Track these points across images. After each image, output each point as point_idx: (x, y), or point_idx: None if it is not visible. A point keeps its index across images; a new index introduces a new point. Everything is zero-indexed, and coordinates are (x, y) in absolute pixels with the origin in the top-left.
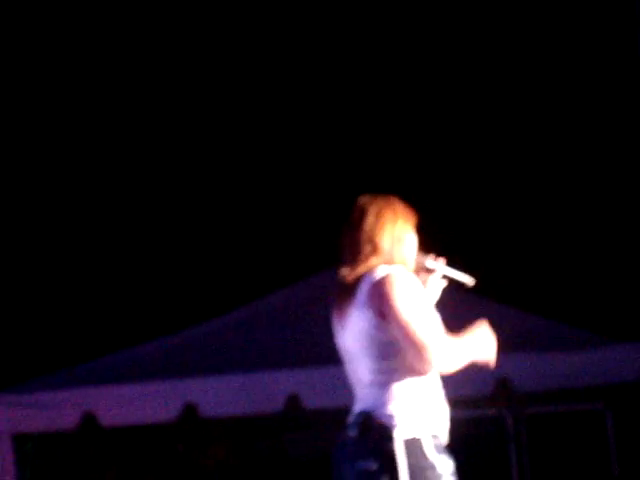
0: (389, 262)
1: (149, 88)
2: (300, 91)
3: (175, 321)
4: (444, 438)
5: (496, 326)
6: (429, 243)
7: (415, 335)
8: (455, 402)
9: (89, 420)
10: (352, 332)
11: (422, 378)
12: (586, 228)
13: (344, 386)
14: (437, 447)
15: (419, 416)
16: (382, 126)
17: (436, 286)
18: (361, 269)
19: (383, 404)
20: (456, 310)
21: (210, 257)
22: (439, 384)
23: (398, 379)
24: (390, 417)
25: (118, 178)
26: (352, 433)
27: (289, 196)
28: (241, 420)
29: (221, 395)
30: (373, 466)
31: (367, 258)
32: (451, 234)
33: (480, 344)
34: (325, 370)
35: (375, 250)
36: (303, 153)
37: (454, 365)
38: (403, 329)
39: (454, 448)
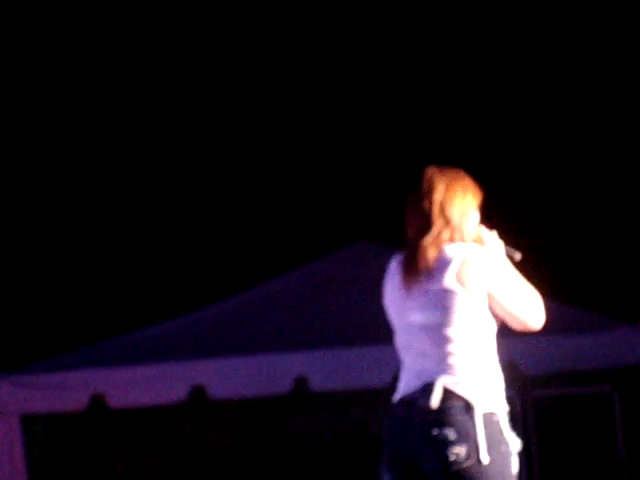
0: (460, 235)
1: (146, 79)
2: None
3: (184, 303)
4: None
5: None
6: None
7: (523, 302)
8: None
9: (98, 401)
10: (424, 304)
11: (490, 352)
12: (592, 210)
13: (351, 368)
14: (509, 424)
15: (495, 391)
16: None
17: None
18: (436, 242)
19: (461, 376)
20: None
21: (220, 238)
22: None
23: (479, 354)
24: (469, 389)
25: (114, 162)
26: (425, 403)
27: (297, 179)
28: (249, 402)
29: (229, 377)
30: (451, 436)
31: (439, 231)
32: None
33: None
34: (333, 352)
35: (447, 223)
36: (308, 136)
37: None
38: (509, 299)
39: None
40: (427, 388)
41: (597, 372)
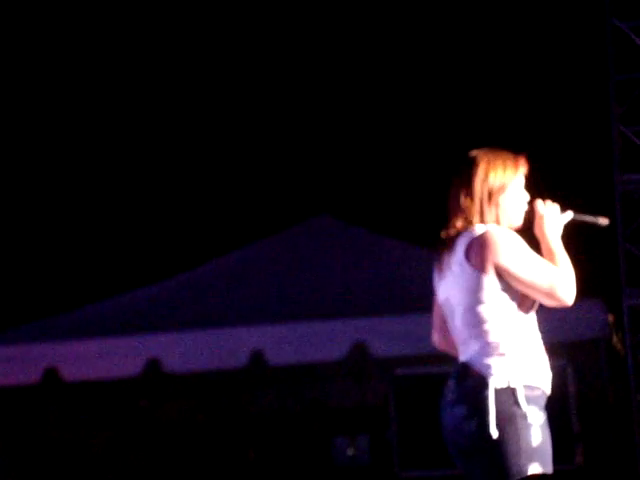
0: (491, 215)
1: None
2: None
3: (140, 276)
4: (542, 389)
5: None
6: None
7: (537, 281)
8: (419, 359)
9: (51, 375)
10: (451, 286)
11: (520, 331)
12: (549, 183)
13: (308, 342)
14: (529, 397)
15: (514, 367)
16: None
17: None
18: (460, 223)
19: (480, 355)
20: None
21: (179, 211)
22: (537, 335)
23: (496, 331)
24: (486, 366)
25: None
26: (451, 382)
27: (260, 153)
28: (205, 375)
29: (185, 350)
30: (464, 411)
31: (464, 212)
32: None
33: (558, 239)
34: (289, 326)
35: (472, 205)
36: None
37: (574, 284)
38: (523, 280)
39: (424, 405)
40: (456, 367)
41: (553, 345)
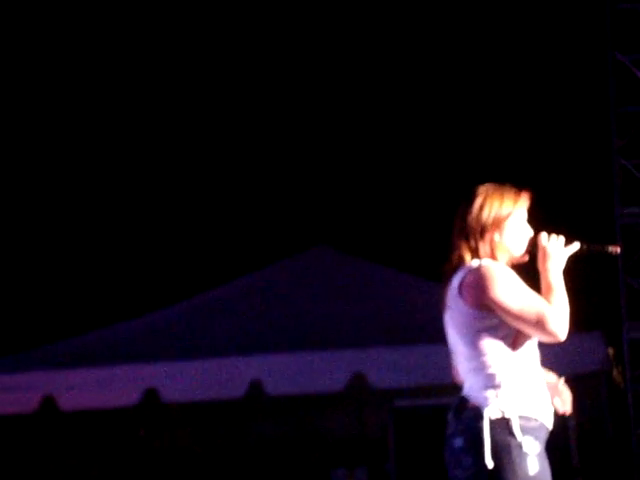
0: (482, 250)
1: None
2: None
3: (137, 305)
4: (539, 421)
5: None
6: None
7: (526, 315)
8: (418, 390)
9: (49, 403)
10: (451, 321)
11: (517, 364)
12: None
13: (306, 373)
14: (525, 428)
15: (509, 398)
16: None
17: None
18: (456, 259)
19: (477, 388)
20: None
21: (176, 241)
22: (537, 369)
23: (492, 365)
24: (482, 398)
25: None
26: (450, 416)
27: (259, 183)
28: (203, 406)
29: (183, 380)
30: (461, 443)
31: (460, 247)
32: None
33: (559, 273)
34: (288, 356)
35: (467, 241)
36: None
37: (567, 320)
38: (512, 314)
39: (423, 437)
40: (455, 400)
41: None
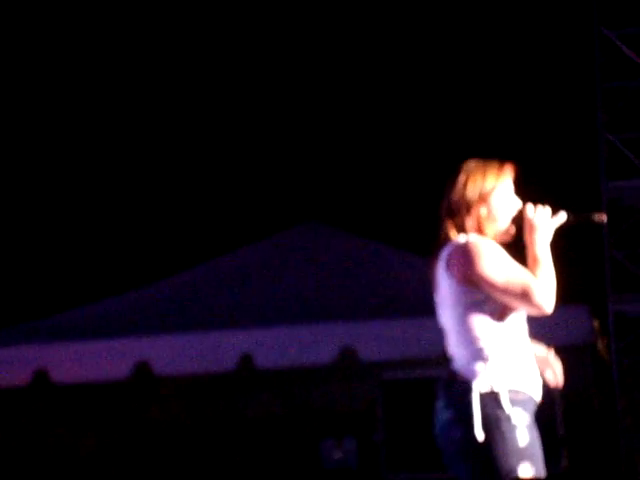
0: (468, 226)
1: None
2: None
3: (128, 280)
4: (528, 394)
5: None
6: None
7: (511, 288)
8: (407, 363)
9: (41, 377)
10: (440, 295)
11: (505, 338)
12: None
13: (296, 346)
14: (513, 400)
15: (498, 371)
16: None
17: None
18: (444, 234)
19: (466, 361)
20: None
21: (169, 215)
22: (525, 342)
23: (480, 339)
24: (471, 372)
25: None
26: (440, 389)
27: (248, 159)
28: (194, 379)
29: (174, 354)
30: (451, 417)
31: (446, 224)
32: None
33: (546, 245)
34: (278, 330)
35: (453, 216)
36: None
37: (553, 292)
38: (498, 287)
39: (411, 408)
40: (444, 374)
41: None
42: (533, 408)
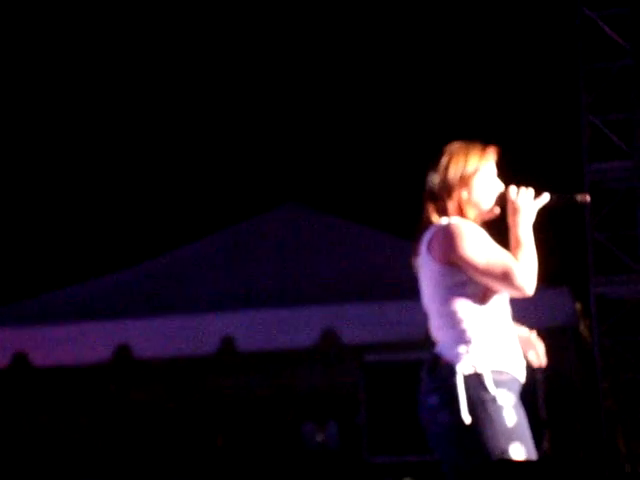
0: (450, 208)
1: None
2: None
3: (109, 263)
4: (511, 375)
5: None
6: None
7: (492, 270)
8: (388, 346)
9: (21, 360)
10: (422, 278)
11: (487, 320)
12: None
13: (277, 328)
14: (498, 381)
15: (481, 353)
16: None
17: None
18: (427, 217)
19: (449, 344)
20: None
21: (150, 197)
22: (508, 324)
23: (462, 321)
24: (454, 355)
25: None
26: (424, 373)
27: (229, 141)
28: (175, 361)
29: (155, 336)
30: (437, 401)
31: (429, 207)
32: None
33: (528, 227)
34: (259, 312)
35: (435, 200)
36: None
37: (534, 274)
38: (479, 269)
39: (393, 391)
40: (428, 357)
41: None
42: (518, 389)
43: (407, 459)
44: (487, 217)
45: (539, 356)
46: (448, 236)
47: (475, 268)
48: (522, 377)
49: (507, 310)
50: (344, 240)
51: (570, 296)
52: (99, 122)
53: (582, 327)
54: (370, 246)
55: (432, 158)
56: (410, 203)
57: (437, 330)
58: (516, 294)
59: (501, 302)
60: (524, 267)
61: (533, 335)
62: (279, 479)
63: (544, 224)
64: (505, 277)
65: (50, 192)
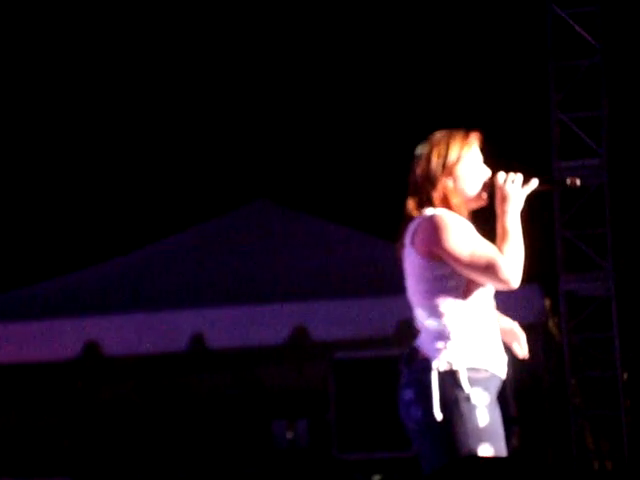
0: (435, 199)
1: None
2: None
3: (77, 259)
4: (490, 372)
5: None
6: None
7: (476, 263)
8: (358, 343)
9: None
10: (406, 270)
11: (469, 314)
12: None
13: (248, 325)
14: (473, 379)
15: (458, 349)
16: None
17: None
18: (409, 210)
19: (428, 338)
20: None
21: (118, 194)
22: (491, 318)
23: (443, 315)
24: (431, 350)
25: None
26: (402, 366)
27: (200, 137)
28: (145, 359)
29: (124, 334)
30: (411, 395)
31: (413, 199)
32: None
33: (516, 216)
34: (229, 309)
35: (420, 192)
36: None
37: (520, 266)
38: (462, 262)
39: (363, 388)
40: (406, 351)
41: None
42: (496, 386)
43: (377, 456)
44: (475, 205)
45: (522, 347)
46: (431, 228)
47: (458, 260)
48: (502, 374)
49: (491, 304)
50: (314, 237)
51: (539, 293)
52: (60, 120)
53: (551, 324)
54: (340, 243)
55: (406, 153)
56: (383, 200)
57: (420, 323)
58: (501, 287)
59: (485, 296)
60: (509, 259)
61: (516, 325)
62: (249, 477)
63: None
64: (489, 270)
65: (17, 188)
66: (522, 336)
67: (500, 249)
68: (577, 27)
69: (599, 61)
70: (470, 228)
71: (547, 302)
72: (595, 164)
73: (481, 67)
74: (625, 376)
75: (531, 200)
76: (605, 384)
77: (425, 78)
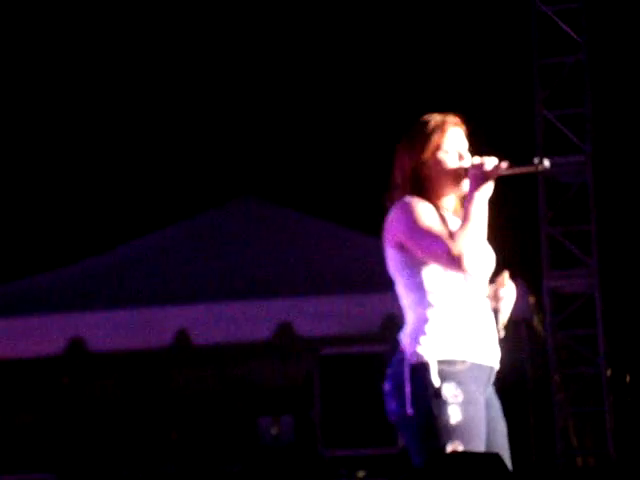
0: (413, 189)
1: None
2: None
3: (63, 255)
4: (469, 362)
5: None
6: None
7: (428, 245)
8: (344, 339)
9: None
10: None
11: (447, 303)
12: None
13: (232, 322)
14: (447, 373)
15: (431, 341)
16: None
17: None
18: (389, 202)
19: (406, 330)
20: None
21: (104, 191)
22: (476, 305)
23: (419, 305)
24: (407, 342)
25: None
26: (388, 358)
27: (185, 133)
28: (130, 355)
29: (109, 329)
30: (389, 388)
31: (393, 191)
32: None
33: (483, 202)
34: (214, 306)
35: (399, 183)
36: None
37: (471, 250)
38: (418, 249)
39: (348, 385)
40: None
41: None
42: (483, 376)
43: (362, 452)
44: (456, 192)
45: (509, 294)
46: (394, 217)
47: (413, 244)
48: (490, 362)
49: (479, 293)
50: (300, 233)
51: (524, 290)
52: (50, 120)
53: (535, 321)
54: (326, 239)
55: (391, 149)
56: (369, 196)
57: (405, 313)
58: (454, 270)
59: (470, 285)
60: (460, 242)
61: (505, 276)
62: (234, 473)
63: (498, 219)
64: (437, 251)
65: (1, 185)
66: (510, 285)
67: (456, 232)
68: (562, 24)
69: (584, 58)
70: (431, 212)
71: (532, 299)
72: (580, 161)
73: (466, 64)
74: (609, 372)
75: (516, 197)
76: (589, 380)
77: (410, 74)
